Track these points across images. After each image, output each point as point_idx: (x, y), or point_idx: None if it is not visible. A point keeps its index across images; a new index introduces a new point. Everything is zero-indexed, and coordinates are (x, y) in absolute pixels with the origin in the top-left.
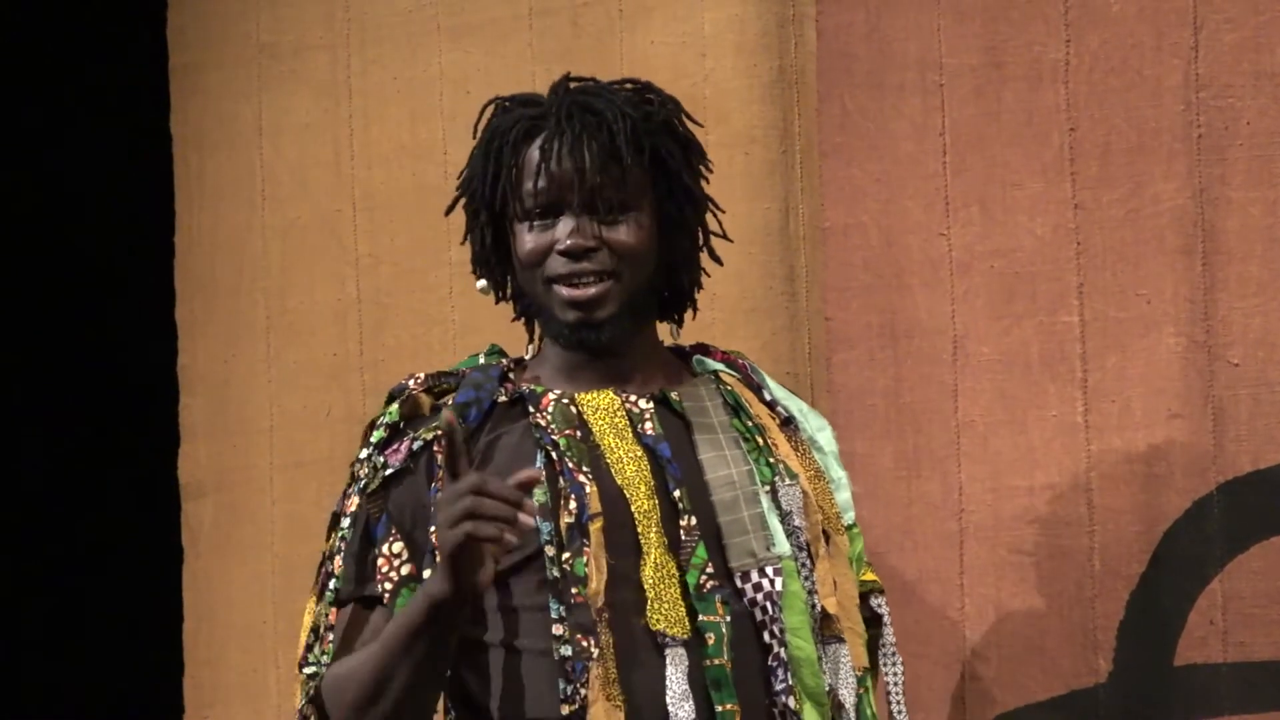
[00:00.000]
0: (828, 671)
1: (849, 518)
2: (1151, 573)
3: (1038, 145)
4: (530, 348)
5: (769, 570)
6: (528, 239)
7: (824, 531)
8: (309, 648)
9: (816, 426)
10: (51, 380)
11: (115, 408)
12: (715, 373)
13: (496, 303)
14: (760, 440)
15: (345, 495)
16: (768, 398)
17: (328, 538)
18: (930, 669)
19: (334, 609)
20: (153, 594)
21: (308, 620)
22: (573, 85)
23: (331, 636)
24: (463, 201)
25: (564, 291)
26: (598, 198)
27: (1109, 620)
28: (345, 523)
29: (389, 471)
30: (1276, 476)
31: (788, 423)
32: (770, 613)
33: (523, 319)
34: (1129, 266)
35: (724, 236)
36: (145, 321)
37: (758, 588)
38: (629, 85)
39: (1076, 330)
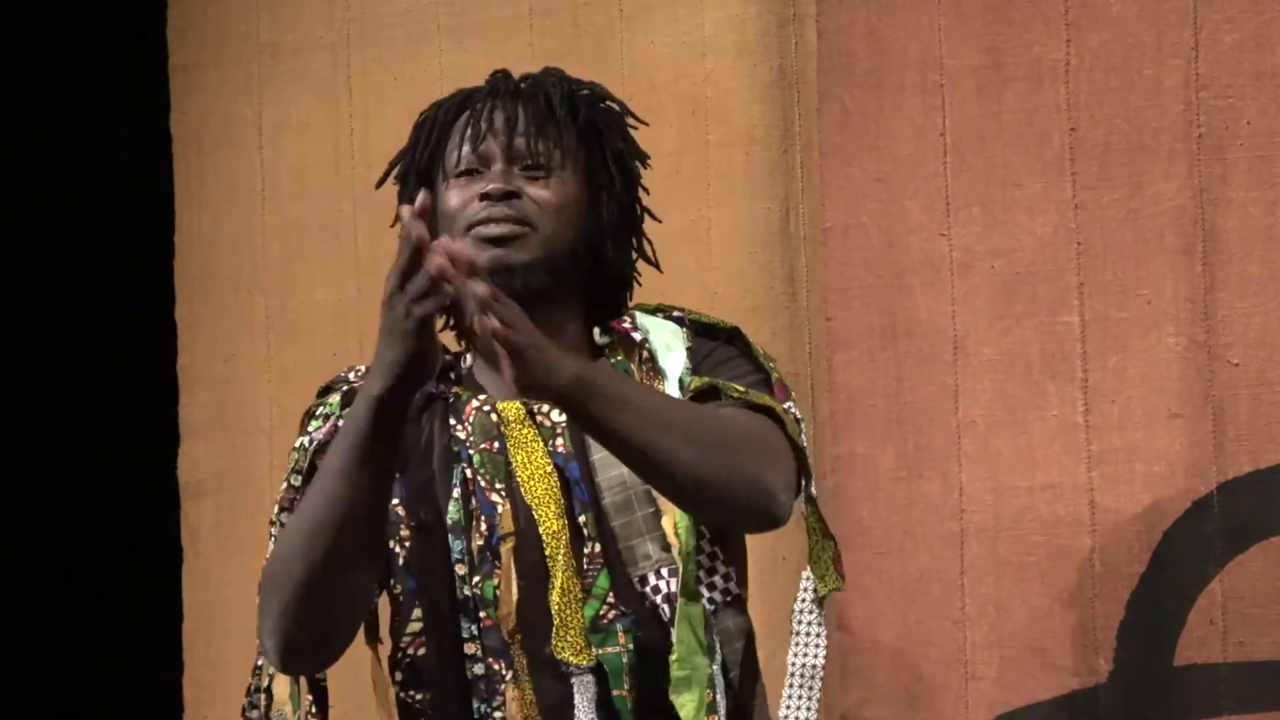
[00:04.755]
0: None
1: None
2: (1151, 573)
3: (1038, 145)
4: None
5: (664, 571)
6: (453, 195)
7: None
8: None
9: (665, 350)
10: (51, 379)
11: (115, 407)
12: (607, 350)
13: None
14: None
15: (284, 485)
16: (645, 355)
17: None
18: (931, 669)
19: None
20: (152, 593)
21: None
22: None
23: None
24: (393, 177)
25: (486, 229)
26: (527, 151)
27: (1109, 620)
28: (276, 512)
29: (315, 445)
30: (1276, 476)
31: (650, 362)
32: (668, 615)
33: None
34: (1129, 266)
35: (652, 263)
36: (145, 321)
37: (656, 590)
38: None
39: (1077, 330)
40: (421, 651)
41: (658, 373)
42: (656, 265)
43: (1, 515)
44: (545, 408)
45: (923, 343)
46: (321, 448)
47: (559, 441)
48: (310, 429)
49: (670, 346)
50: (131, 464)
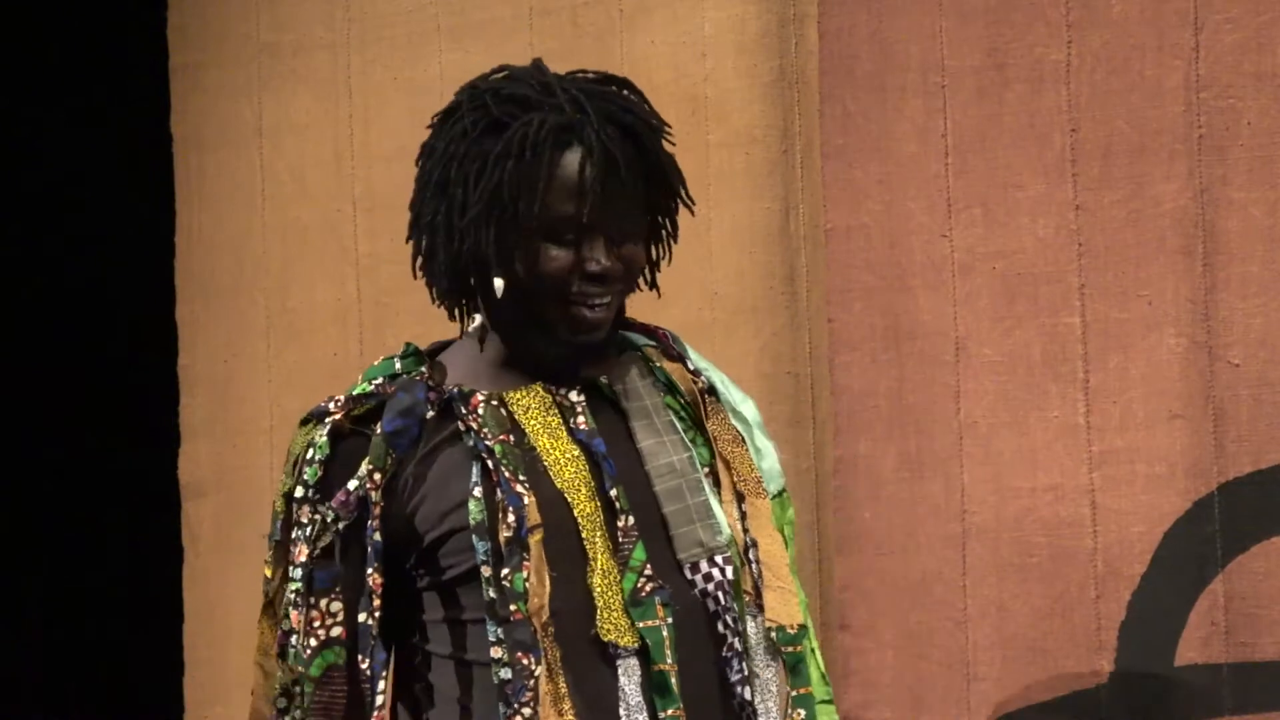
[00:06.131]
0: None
1: (775, 485)
2: (1153, 573)
3: (1039, 147)
4: (464, 337)
5: (719, 559)
6: (552, 254)
7: (738, 493)
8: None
9: (739, 399)
10: (52, 380)
11: (116, 408)
12: (640, 348)
13: (478, 308)
14: (692, 419)
15: (289, 539)
16: (690, 367)
17: (271, 570)
18: (933, 670)
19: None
20: (153, 593)
21: (268, 678)
22: (579, 79)
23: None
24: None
25: (584, 313)
26: (626, 222)
27: (1111, 620)
28: (297, 574)
29: (342, 525)
30: (1277, 476)
31: (710, 391)
32: (723, 602)
33: (451, 302)
34: (1130, 267)
35: (652, 287)
36: (146, 321)
37: (708, 578)
38: (623, 89)
39: (1078, 331)
40: None
41: (718, 402)
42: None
43: (2, 515)
44: (562, 388)
45: (924, 344)
46: (350, 530)
47: (580, 420)
48: (308, 478)
49: (727, 385)
50: (132, 464)
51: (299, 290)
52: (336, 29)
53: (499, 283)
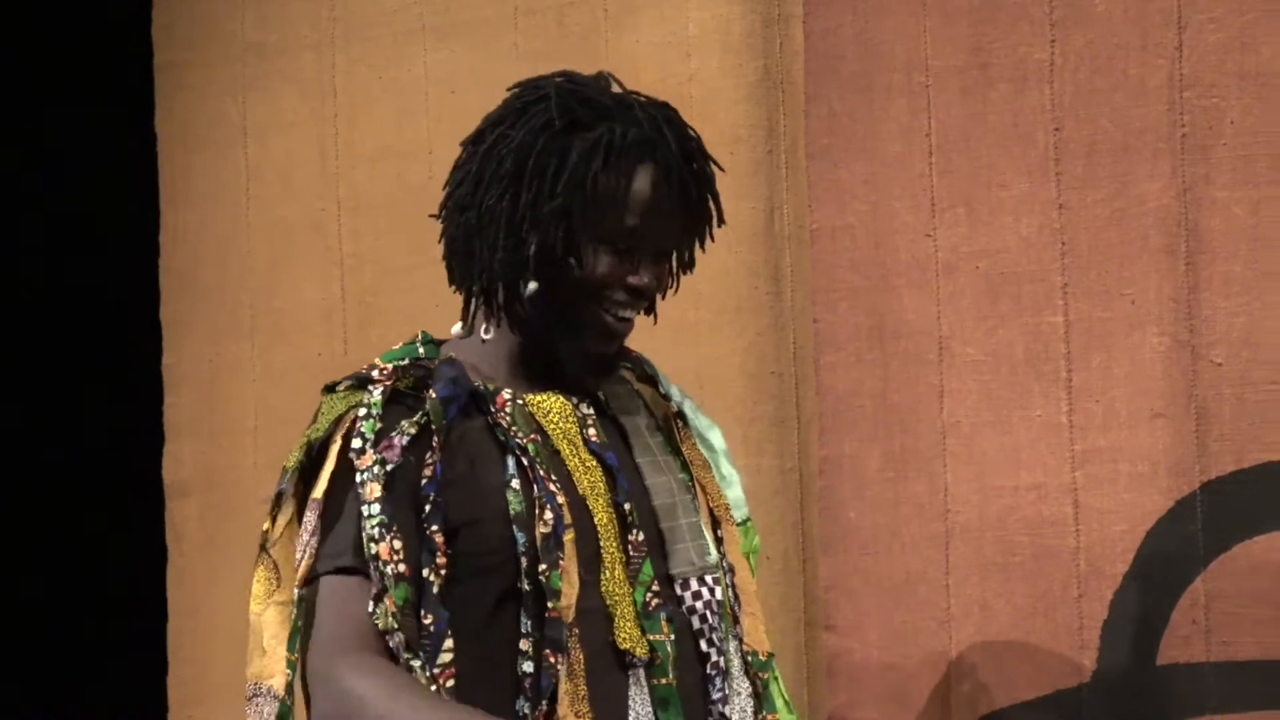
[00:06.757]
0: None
1: (740, 513)
2: (1135, 572)
3: (1023, 146)
4: (472, 331)
5: (708, 579)
6: (606, 261)
7: (714, 517)
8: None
9: (706, 425)
10: (36, 378)
11: (100, 407)
12: (619, 371)
13: (510, 303)
14: (668, 442)
15: (358, 481)
16: (662, 391)
17: (270, 521)
18: (916, 669)
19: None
20: (137, 593)
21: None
22: (641, 97)
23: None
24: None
25: (613, 323)
26: (669, 242)
27: (1093, 620)
28: (375, 509)
29: (390, 468)
30: (1259, 476)
31: (679, 416)
32: (709, 621)
33: (471, 296)
34: (1113, 266)
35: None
36: (130, 320)
37: (697, 595)
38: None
39: (1061, 330)
40: (450, 684)
41: (687, 428)
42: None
43: None
44: (575, 399)
45: (909, 343)
46: (397, 473)
47: (592, 431)
48: (365, 431)
49: (695, 412)
50: (116, 463)
51: (284, 290)
52: (322, 28)
53: (533, 285)
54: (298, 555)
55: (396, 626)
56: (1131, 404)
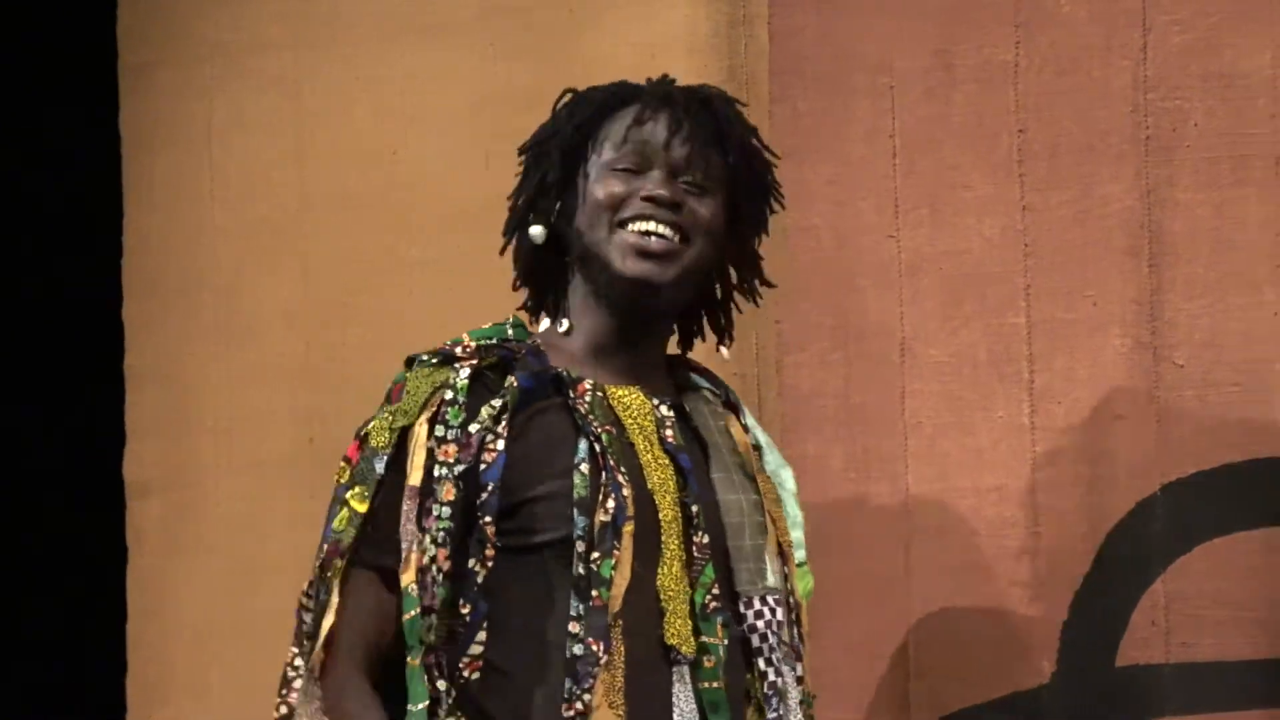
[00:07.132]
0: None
1: (800, 554)
2: (1095, 574)
3: (987, 147)
4: (554, 324)
5: (770, 600)
6: (609, 182)
7: (782, 550)
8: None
9: (779, 463)
10: None
11: (61, 406)
12: (701, 390)
13: (527, 263)
14: (745, 471)
15: (435, 476)
16: (745, 422)
17: (356, 505)
18: (877, 669)
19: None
20: (97, 593)
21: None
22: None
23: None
24: (527, 147)
25: (634, 239)
26: (691, 165)
27: (1053, 621)
28: (445, 512)
29: (464, 468)
30: (1220, 478)
31: (756, 448)
32: (769, 641)
33: (538, 300)
34: (1076, 268)
35: (755, 301)
36: (92, 320)
37: (759, 615)
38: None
39: (1023, 332)
40: (475, 676)
41: (762, 461)
42: (756, 302)
43: None
44: (655, 399)
45: (872, 344)
46: (466, 475)
47: (669, 433)
48: (449, 418)
49: (770, 447)
50: (77, 463)
51: (247, 290)
52: (290, 28)
53: (536, 229)
54: (404, 545)
55: (434, 642)
56: (1093, 406)
